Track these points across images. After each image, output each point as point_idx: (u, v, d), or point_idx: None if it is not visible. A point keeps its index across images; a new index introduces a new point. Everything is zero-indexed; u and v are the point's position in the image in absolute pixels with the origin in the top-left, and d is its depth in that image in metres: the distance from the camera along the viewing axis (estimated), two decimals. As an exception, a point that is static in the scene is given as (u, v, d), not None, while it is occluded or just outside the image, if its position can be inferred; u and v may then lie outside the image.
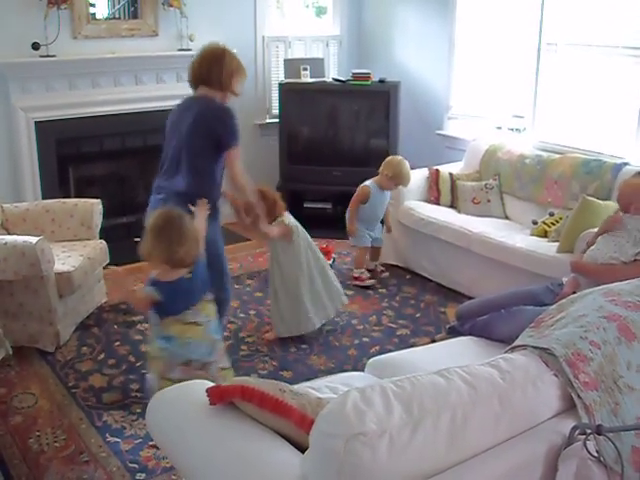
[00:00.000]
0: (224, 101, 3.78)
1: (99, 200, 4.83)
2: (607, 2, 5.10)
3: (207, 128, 3.65)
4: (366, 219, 5.34)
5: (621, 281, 2.37)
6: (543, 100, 5.62)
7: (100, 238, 4.76)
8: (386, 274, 5.45)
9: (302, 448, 1.84)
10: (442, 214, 5.26)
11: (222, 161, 3.72)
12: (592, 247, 3.68)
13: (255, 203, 4.04)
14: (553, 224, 4.76)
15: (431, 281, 5.32)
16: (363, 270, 5.35)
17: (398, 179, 5.23)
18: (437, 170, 5.59)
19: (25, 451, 3.27)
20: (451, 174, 5.56)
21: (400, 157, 5.32)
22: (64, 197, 5.21)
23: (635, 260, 3.46)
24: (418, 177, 5.60)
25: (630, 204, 3.67)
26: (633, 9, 4.95)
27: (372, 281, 5.32)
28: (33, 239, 4.00)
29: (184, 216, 3.15)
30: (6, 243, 3.99)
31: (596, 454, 1.80)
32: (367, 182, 5.31)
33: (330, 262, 5.59)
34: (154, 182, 3.85)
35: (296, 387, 2.21)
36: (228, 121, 3.68)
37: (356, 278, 5.32)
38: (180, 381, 2.54)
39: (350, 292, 5.13)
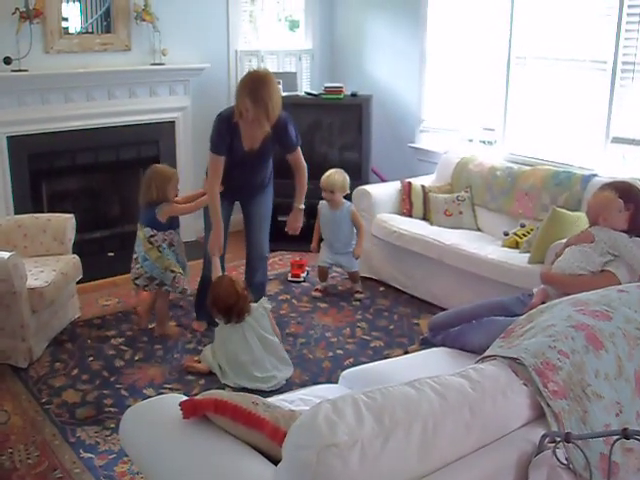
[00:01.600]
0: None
1: (72, 215, 4.82)
2: (574, 17, 5.18)
3: None
4: (326, 239, 5.42)
5: (589, 291, 2.41)
6: (513, 113, 5.70)
7: (73, 253, 4.74)
8: (361, 295, 5.34)
9: (275, 460, 1.84)
10: (414, 226, 5.29)
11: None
12: (560, 258, 3.73)
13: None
14: (524, 235, 4.81)
15: (404, 293, 5.35)
16: (321, 284, 5.45)
17: (324, 186, 5.26)
18: (409, 183, 5.63)
19: (-3, 468, 3.25)
20: (423, 186, 5.60)
21: (334, 169, 5.36)
22: (37, 212, 5.19)
23: (602, 270, 3.52)
24: (391, 190, 5.65)
25: (598, 216, 3.72)
26: (599, 23, 5.03)
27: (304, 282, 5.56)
28: (5, 254, 3.98)
29: None
30: (-22, 259, 3.96)
31: (565, 461, 1.83)
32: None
33: (304, 275, 5.62)
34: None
35: (269, 400, 2.22)
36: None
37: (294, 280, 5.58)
38: None
39: (324, 305, 5.15)
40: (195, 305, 4.83)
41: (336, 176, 5.25)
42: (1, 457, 3.33)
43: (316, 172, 6.30)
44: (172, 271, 4.49)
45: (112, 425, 3.59)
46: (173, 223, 4.59)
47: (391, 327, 4.81)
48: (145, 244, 4.47)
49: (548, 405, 1.95)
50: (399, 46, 6.54)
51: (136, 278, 4.54)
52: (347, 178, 5.31)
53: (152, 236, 4.46)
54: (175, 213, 4.56)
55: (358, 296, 5.33)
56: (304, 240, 5.97)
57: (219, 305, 4.03)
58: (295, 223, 4.79)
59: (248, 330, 4.03)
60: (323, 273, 5.47)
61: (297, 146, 4.58)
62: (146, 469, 2.14)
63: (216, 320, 4.13)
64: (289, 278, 5.62)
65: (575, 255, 3.62)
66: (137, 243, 4.54)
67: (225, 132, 4.31)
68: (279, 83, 6.31)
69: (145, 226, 4.49)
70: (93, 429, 3.58)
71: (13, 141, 5.39)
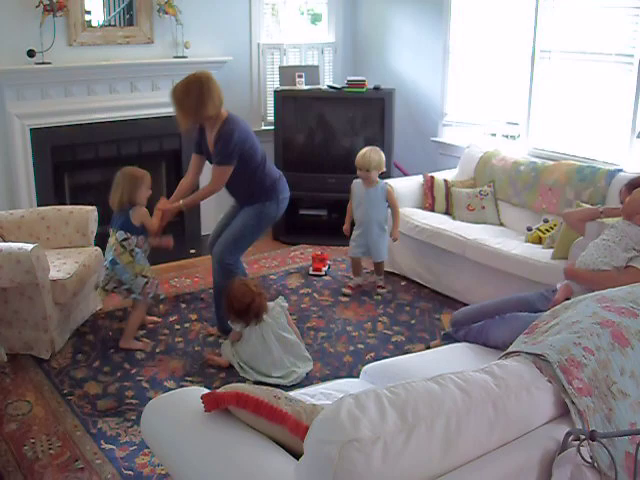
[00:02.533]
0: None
1: (94, 207, 4.83)
2: (600, 10, 5.13)
3: None
4: (358, 221, 5.27)
5: (614, 287, 2.38)
6: (537, 107, 5.65)
7: (95, 245, 4.76)
8: (383, 290, 5.28)
9: (297, 455, 1.84)
10: (437, 221, 5.27)
11: None
12: (583, 253, 3.69)
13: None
14: (547, 231, 4.77)
15: (426, 288, 5.33)
16: (353, 281, 5.37)
17: (360, 164, 5.09)
18: (432, 177, 5.60)
19: (20, 458, 3.27)
20: (446, 181, 5.57)
21: (369, 147, 5.20)
22: (59, 204, 5.21)
23: (627, 266, 3.47)
24: (413, 184, 5.62)
25: (636, 214, 3.63)
26: (625, 17, 4.98)
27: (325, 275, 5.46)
28: (28, 246, 4.00)
29: None
30: (1, 250, 3.98)
31: (590, 460, 1.81)
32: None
33: (325, 269, 5.62)
34: (274, 170, 4.59)
35: (291, 394, 2.22)
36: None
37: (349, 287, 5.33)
38: None
39: (345, 299, 5.14)
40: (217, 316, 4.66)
41: (372, 154, 5.08)
42: (24, 447, 3.35)
43: (338, 166, 6.33)
44: (144, 276, 4.31)
45: (133, 417, 3.60)
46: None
47: (413, 322, 4.80)
48: (117, 248, 4.27)
49: (573, 402, 1.93)
50: (422, 39, 6.50)
51: (106, 284, 4.31)
52: (383, 156, 5.14)
53: (125, 239, 4.27)
54: (145, 221, 4.34)
55: (380, 291, 5.27)
56: (325, 234, 5.98)
57: (236, 307, 3.98)
58: (164, 219, 4.44)
59: (266, 331, 4.01)
60: (356, 266, 5.37)
61: (218, 164, 4.30)
62: (167, 461, 2.15)
63: (233, 326, 4.09)
64: (310, 272, 5.61)
65: (599, 250, 3.58)
66: (107, 248, 4.36)
67: (199, 137, 4.46)
68: (301, 77, 6.34)
69: (118, 229, 4.30)
70: (114, 420, 3.60)
71: (36, 133, 5.42)
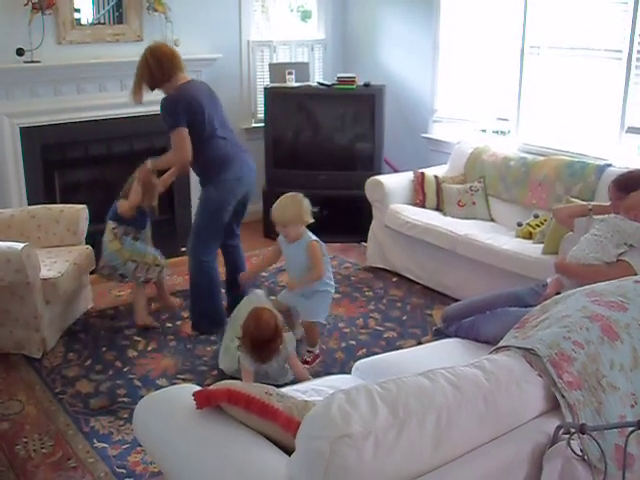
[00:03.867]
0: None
1: (85, 206, 4.83)
2: (589, 6, 5.15)
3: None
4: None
5: (604, 281, 2.39)
6: (527, 103, 5.66)
7: (86, 244, 4.75)
8: (307, 366, 4.06)
9: (288, 451, 1.85)
10: (427, 217, 5.28)
11: None
12: (574, 247, 3.71)
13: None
14: (538, 226, 4.79)
15: (417, 284, 5.34)
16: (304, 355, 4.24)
17: (274, 218, 4.14)
18: (422, 173, 5.61)
19: (12, 458, 3.27)
20: (436, 177, 5.58)
21: (286, 196, 4.21)
22: (50, 203, 5.20)
23: (618, 260, 3.49)
24: (403, 180, 5.63)
25: (634, 210, 3.63)
26: (614, 12, 4.99)
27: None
28: (19, 245, 4.00)
29: None
30: (-9, 249, 3.98)
31: (580, 453, 1.82)
32: None
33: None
34: (222, 147, 4.41)
35: (283, 390, 2.22)
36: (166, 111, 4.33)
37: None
38: None
39: (337, 295, 5.13)
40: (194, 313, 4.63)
41: (287, 206, 4.10)
42: (16, 446, 3.35)
43: (329, 163, 6.34)
44: (134, 261, 4.50)
45: (125, 415, 3.60)
46: (141, 222, 4.63)
47: (404, 318, 4.81)
48: (109, 235, 4.51)
49: (563, 396, 1.95)
50: (412, 36, 6.50)
51: (102, 267, 4.57)
52: (305, 206, 4.13)
53: (114, 228, 4.51)
54: (124, 207, 4.51)
55: (306, 366, 4.06)
56: (317, 231, 5.96)
57: (253, 337, 3.53)
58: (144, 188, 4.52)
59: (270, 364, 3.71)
60: (288, 318, 4.17)
61: (169, 131, 4.27)
62: (159, 459, 2.15)
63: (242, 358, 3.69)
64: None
65: (591, 245, 3.59)
66: (104, 236, 4.58)
67: None
68: (291, 74, 6.34)
69: (109, 219, 4.57)
70: (107, 419, 3.60)
71: (26, 132, 5.40)
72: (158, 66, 4.29)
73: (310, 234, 4.19)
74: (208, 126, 4.33)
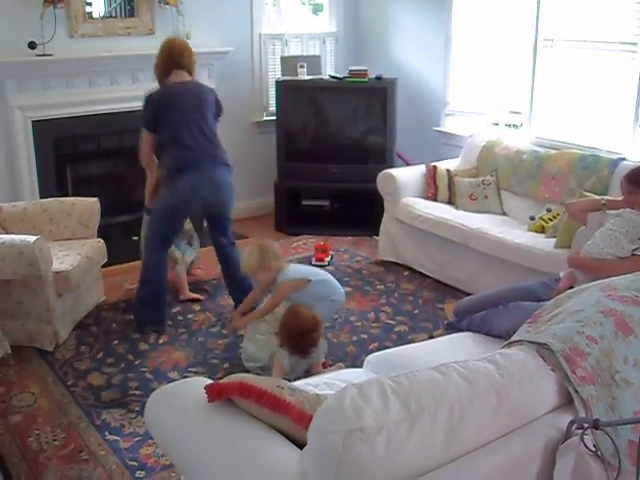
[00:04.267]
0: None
1: (97, 199, 4.83)
2: (603, -2, 5.11)
3: (212, 103, 4.47)
4: None
5: (618, 276, 2.38)
6: (540, 96, 5.63)
7: (98, 237, 4.76)
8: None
9: (300, 444, 1.84)
10: (439, 210, 5.26)
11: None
12: (589, 242, 3.69)
13: None
14: (551, 220, 4.77)
15: (429, 277, 5.32)
16: None
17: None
18: (434, 166, 5.59)
19: (24, 450, 3.28)
20: (448, 170, 5.56)
21: (248, 248, 4.12)
22: (62, 196, 5.21)
23: (632, 255, 3.47)
24: (415, 173, 5.62)
25: None
26: (628, 5, 4.95)
27: None
28: (31, 238, 4.01)
29: None
30: (4, 242, 3.99)
31: (593, 448, 1.81)
32: None
33: (328, 259, 5.61)
34: (182, 154, 4.31)
35: (294, 384, 2.22)
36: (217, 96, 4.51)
37: None
38: None
39: (348, 289, 5.13)
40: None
41: (250, 259, 4.03)
42: (28, 439, 3.37)
43: (340, 156, 6.33)
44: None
45: (137, 408, 3.61)
46: None
47: (416, 312, 4.80)
48: (143, 225, 4.81)
49: (576, 391, 1.93)
50: (424, 28, 6.48)
51: (140, 252, 4.78)
52: (269, 253, 4.03)
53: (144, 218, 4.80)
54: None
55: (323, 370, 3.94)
56: (328, 224, 5.97)
57: (294, 329, 3.61)
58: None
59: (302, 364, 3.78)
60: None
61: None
62: (171, 452, 2.15)
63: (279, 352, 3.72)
64: (313, 262, 5.60)
65: (605, 240, 3.57)
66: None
67: None
68: (303, 67, 6.33)
69: (144, 210, 4.83)
70: (118, 412, 3.61)
71: (38, 125, 5.42)
72: (162, 61, 4.37)
73: (287, 274, 4.04)
74: (171, 132, 4.30)
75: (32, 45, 5.15)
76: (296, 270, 4.13)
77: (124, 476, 3.10)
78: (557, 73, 5.49)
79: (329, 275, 4.27)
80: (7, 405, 3.66)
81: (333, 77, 6.44)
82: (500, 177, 5.40)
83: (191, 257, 5.12)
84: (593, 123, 5.29)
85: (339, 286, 4.23)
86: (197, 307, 4.81)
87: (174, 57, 4.36)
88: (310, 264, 5.55)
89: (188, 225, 5.03)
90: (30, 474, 3.11)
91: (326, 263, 5.59)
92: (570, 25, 5.33)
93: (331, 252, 5.73)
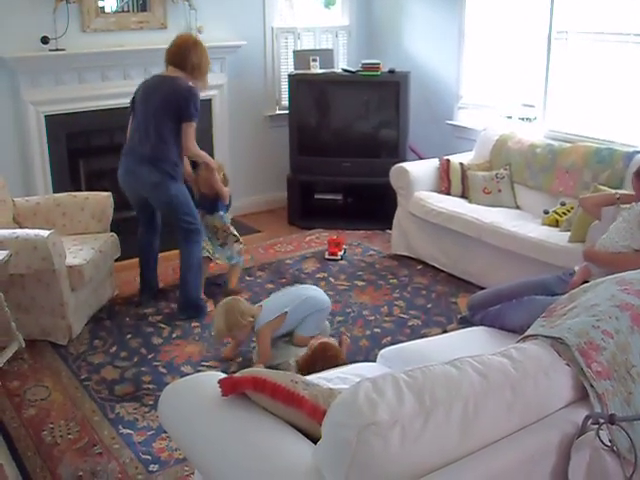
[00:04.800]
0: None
1: (110, 193, 4.84)
2: (618, -11, 5.07)
3: (175, 104, 4.36)
4: None
5: (633, 269, 2.36)
6: (554, 89, 5.59)
7: (111, 231, 4.77)
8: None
9: (314, 439, 1.84)
10: (453, 204, 5.25)
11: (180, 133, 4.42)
12: (604, 235, 3.67)
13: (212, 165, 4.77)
14: (565, 213, 4.74)
15: (442, 272, 5.31)
16: None
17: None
18: (448, 160, 5.57)
19: (39, 443, 3.29)
20: (462, 164, 5.54)
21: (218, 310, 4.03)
22: (75, 190, 5.23)
23: (647, 248, 3.45)
24: (429, 167, 5.60)
25: None
26: (644, -4, 4.92)
27: None
28: (44, 233, 4.01)
29: None
30: (17, 237, 4.00)
31: (609, 443, 1.80)
32: None
33: (341, 253, 5.61)
34: (127, 142, 4.58)
35: (308, 378, 2.22)
36: (191, 99, 4.36)
37: None
38: None
39: (361, 283, 5.13)
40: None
41: (219, 320, 3.92)
42: (42, 432, 3.38)
43: (353, 150, 6.32)
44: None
45: (150, 402, 3.62)
46: (209, 207, 4.93)
47: (429, 306, 4.78)
48: None
49: (592, 386, 1.92)
50: (437, 22, 6.45)
51: None
52: (237, 311, 3.90)
53: None
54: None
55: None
56: (341, 218, 5.96)
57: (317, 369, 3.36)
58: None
59: None
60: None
61: None
62: (185, 446, 2.15)
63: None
64: (326, 256, 5.60)
65: (620, 233, 3.55)
66: None
67: None
68: (315, 60, 6.32)
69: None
70: (132, 406, 3.61)
71: (51, 120, 5.43)
72: (165, 54, 4.55)
73: (263, 319, 3.96)
74: (132, 120, 4.61)
75: (45, 40, 5.15)
76: (270, 308, 4.01)
77: (137, 470, 3.11)
78: (571, 66, 5.45)
79: (309, 290, 4.19)
80: (21, 399, 3.67)
81: (346, 71, 6.42)
82: (514, 171, 5.37)
83: (219, 258, 4.98)
84: (608, 116, 5.26)
85: (322, 297, 4.13)
86: (210, 301, 4.81)
87: (169, 53, 4.49)
88: (324, 258, 5.56)
89: (219, 223, 4.94)
90: (44, 467, 3.13)
91: (339, 257, 5.59)
92: (584, 17, 5.30)
93: (344, 246, 5.72)
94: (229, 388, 2.05)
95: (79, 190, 5.45)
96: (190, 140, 4.44)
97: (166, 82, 4.44)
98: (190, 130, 4.42)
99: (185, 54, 4.44)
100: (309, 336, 3.98)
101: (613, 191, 4.15)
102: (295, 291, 4.20)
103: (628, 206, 3.70)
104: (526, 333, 2.20)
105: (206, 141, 6.24)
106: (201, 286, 4.73)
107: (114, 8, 5.65)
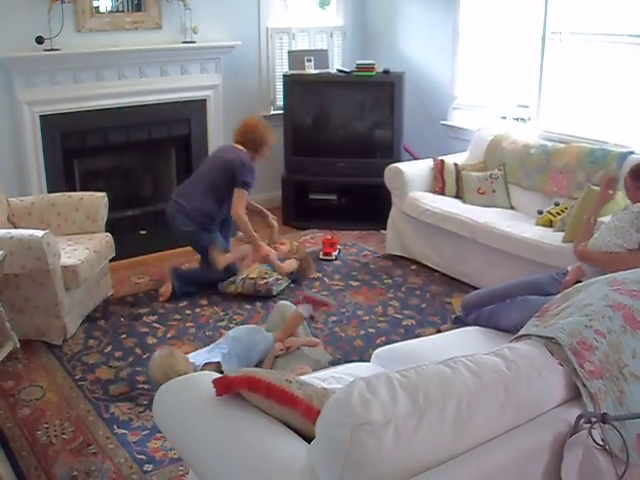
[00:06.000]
0: (252, 158, 5.08)
1: (104, 193, 4.84)
2: (611, -10, 5.08)
3: (231, 169, 4.94)
4: None
5: (626, 269, 2.37)
6: (548, 89, 5.61)
7: (106, 231, 4.77)
8: None
9: (308, 438, 1.84)
10: (447, 204, 5.26)
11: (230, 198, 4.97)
12: (595, 235, 3.68)
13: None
14: (558, 214, 4.76)
15: (436, 272, 5.32)
16: None
17: None
18: (442, 160, 5.58)
19: (33, 443, 3.29)
20: (456, 164, 5.55)
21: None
22: (69, 190, 5.22)
23: (640, 248, 3.46)
24: (423, 167, 5.61)
25: None
26: (638, -3, 4.93)
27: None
28: (39, 233, 4.01)
29: None
30: (12, 237, 3.99)
31: (601, 442, 1.81)
32: None
33: (336, 253, 5.62)
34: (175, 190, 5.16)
35: (302, 378, 2.22)
36: (245, 170, 4.93)
37: None
38: None
39: (356, 283, 5.14)
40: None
41: (155, 372, 3.57)
42: (37, 432, 3.38)
43: (348, 150, 6.33)
44: None
45: (145, 402, 3.62)
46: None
47: (423, 306, 4.79)
48: None
49: (584, 385, 1.93)
50: (431, 22, 6.46)
51: None
52: (174, 361, 3.55)
53: None
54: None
55: None
56: (335, 218, 5.96)
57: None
58: None
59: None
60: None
61: None
62: (179, 446, 2.16)
63: None
64: (321, 256, 5.61)
65: (612, 232, 3.57)
66: None
67: None
68: (310, 61, 6.33)
69: None
70: (126, 405, 3.61)
71: (46, 120, 5.43)
72: None
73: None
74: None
75: (40, 40, 5.15)
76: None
77: (132, 469, 3.11)
78: (565, 66, 5.47)
79: (237, 331, 3.95)
80: (16, 399, 3.67)
81: (340, 71, 6.43)
82: (508, 171, 5.39)
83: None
84: (602, 117, 5.27)
85: (257, 335, 3.89)
86: (205, 302, 4.82)
87: (235, 133, 5.20)
88: (318, 258, 5.56)
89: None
90: (39, 467, 3.12)
91: (334, 257, 5.60)
92: (579, 18, 5.31)
93: (338, 246, 5.73)
94: (223, 388, 2.05)
95: (74, 190, 5.45)
96: (238, 204, 4.93)
97: (231, 151, 5.08)
98: (240, 195, 4.93)
99: (246, 135, 5.11)
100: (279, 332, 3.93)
101: (585, 219, 4.07)
102: (223, 342, 3.86)
103: (623, 206, 3.72)
104: (519, 333, 2.21)
105: (201, 142, 6.25)
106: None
107: (109, 8, 5.64)
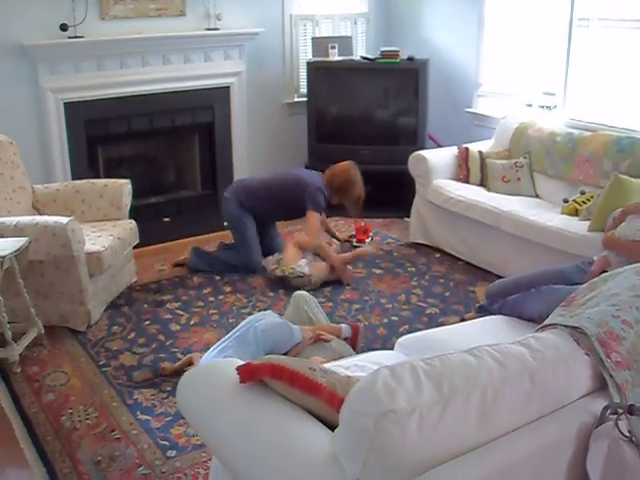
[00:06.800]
0: (331, 197, 5.24)
1: (128, 180, 4.85)
2: (640, -24, 5.00)
3: (303, 187, 5.12)
4: None
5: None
6: (574, 77, 5.54)
7: (130, 218, 4.79)
8: None
9: (332, 426, 1.84)
10: (471, 193, 5.22)
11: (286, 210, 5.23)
12: (622, 224, 3.64)
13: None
14: (584, 202, 4.71)
15: (460, 260, 5.29)
16: None
17: None
18: (466, 148, 5.54)
19: (58, 428, 3.32)
20: (480, 152, 5.51)
21: None
22: (93, 178, 5.25)
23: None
24: (447, 155, 5.58)
25: None
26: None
27: None
28: (64, 219, 4.03)
29: None
30: (37, 224, 4.02)
31: (628, 434, 1.78)
32: None
33: (368, 240, 5.62)
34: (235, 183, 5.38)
35: (326, 366, 2.21)
36: (317, 193, 5.10)
37: None
38: None
39: (379, 271, 5.13)
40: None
41: None
42: (61, 417, 3.40)
43: (372, 138, 6.30)
44: None
45: (168, 388, 3.63)
46: None
47: (447, 294, 4.77)
48: None
49: (611, 376, 1.91)
50: (457, 8, 6.40)
51: None
52: None
53: None
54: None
55: None
56: (364, 207, 5.91)
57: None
58: None
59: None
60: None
61: None
62: (202, 432, 2.16)
63: None
64: (354, 243, 5.65)
65: (639, 222, 3.52)
66: None
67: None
68: (334, 47, 6.30)
69: None
70: (150, 392, 3.63)
71: (70, 107, 5.45)
72: None
73: None
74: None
75: (64, 27, 5.16)
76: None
77: (155, 455, 3.13)
78: (593, 53, 5.40)
79: (266, 326, 3.75)
80: (41, 384, 3.70)
81: (364, 58, 6.39)
82: (533, 159, 5.34)
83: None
84: (629, 105, 5.20)
85: (286, 329, 3.73)
86: (228, 288, 4.83)
87: (324, 175, 5.25)
88: (352, 246, 5.56)
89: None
90: (63, 452, 3.15)
91: (367, 244, 5.63)
92: (606, 4, 5.24)
93: (371, 233, 5.74)
94: (247, 375, 2.05)
95: (98, 177, 5.48)
96: (312, 230, 5.12)
97: (314, 174, 5.27)
98: (313, 220, 5.07)
99: (330, 179, 5.19)
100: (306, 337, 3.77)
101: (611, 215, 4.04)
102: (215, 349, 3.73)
103: None
104: (545, 322, 2.19)
105: (225, 129, 6.26)
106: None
107: (133, -5, 5.64)
